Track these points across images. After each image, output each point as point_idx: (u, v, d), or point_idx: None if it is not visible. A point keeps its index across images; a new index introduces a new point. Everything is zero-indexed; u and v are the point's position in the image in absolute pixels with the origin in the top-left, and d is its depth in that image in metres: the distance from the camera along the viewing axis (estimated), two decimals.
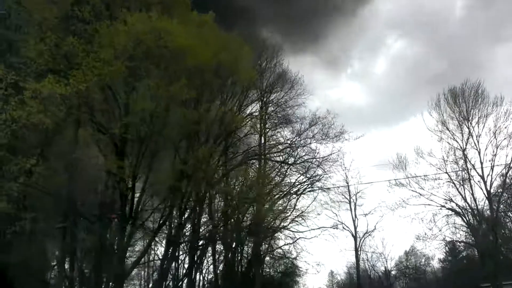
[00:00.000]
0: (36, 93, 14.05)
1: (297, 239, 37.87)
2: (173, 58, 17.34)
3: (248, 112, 32.62)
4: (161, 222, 22.04)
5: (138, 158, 17.96)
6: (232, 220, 34.39)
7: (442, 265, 52.27)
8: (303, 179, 38.90)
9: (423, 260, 51.86)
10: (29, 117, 13.72)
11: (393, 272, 52.86)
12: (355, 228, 57.23)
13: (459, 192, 35.32)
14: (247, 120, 28.31)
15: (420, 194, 36.18)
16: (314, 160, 33.06)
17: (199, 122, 21.48)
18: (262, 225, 35.45)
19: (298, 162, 32.95)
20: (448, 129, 35.71)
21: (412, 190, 36.54)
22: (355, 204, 58.41)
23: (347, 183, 58.72)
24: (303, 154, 34.04)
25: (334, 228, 43.28)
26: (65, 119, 15.20)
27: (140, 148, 17.94)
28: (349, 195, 58.52)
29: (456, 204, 35.59)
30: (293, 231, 39.30)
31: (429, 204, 35.87)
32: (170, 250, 26.31)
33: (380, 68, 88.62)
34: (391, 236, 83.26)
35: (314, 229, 40.20)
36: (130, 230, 19.24)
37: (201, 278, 37.86)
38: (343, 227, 53.26)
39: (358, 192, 58.17)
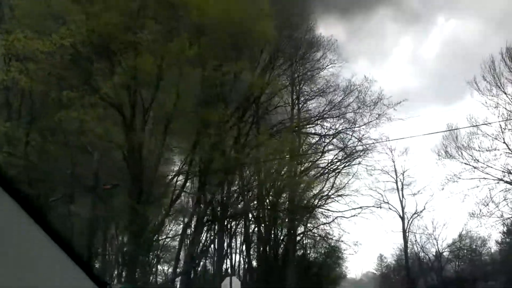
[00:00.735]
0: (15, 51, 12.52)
1: (335, 218, 35.34)
2: (174, 11, 15.29)
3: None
4: (176, 194, 20.34)
5: (144, 125, 16.18)
6: (266, 197, 32.45)
7: (500, 247, 47.65)
8: (342, 155, 36.28)
9: (478, 242, 47.51)
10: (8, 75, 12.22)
11: (445, 254, 48.96)
12: (403, 208, 53.70)
13: None
14: (273, 82, 25.77)
15: (474, 167, 32.39)
16: (351, 132, 30.02)
17: (217, 85, 19.43)
18: (298, 203, 33.27)
19: (331, 133, 30.06)
20: (505, 93, 31.46)
21: (465, 163, 32.80)
22: (402, 183, 54.93)
23: (393, 161, 55.47)
24: (338, 126, 31.29)
25: (377, 207, 40.48)
26: (49, 80, 13.66)
27: (144, 115, 16.16)
28: (396, 174, 55.11)
29: None
30: (331, 211, 36.92)
31: (484, 178, 32.03)
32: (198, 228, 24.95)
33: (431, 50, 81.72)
34: (443, 215, 78.54)
35: (354, 208, 37.65)
36: (143, 207, 17.66)
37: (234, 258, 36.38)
38: (389, 208, 50.16)
39: (405, 171, 54.68)
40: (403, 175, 54.78)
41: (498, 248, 47.33)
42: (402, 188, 54.23)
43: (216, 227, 28.92)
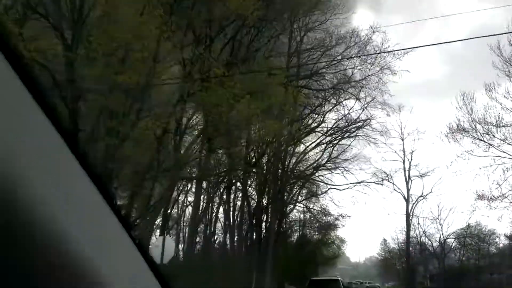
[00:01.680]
0: None
1: (328, 189, 32.27)
2: None
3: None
4: None
5: None
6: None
7: (510, 241, 44.05)
8: (343, 123, 32.89)
9: (486, 231, 43.82)
10: None
11: (449, 241, 45.59)
12: (408, 190, 50.29)
13: None
14: None
15: (489, 144, 28.69)
16: (347, 86, 26.28)
17: None
18: (287, 169, 30.12)
19: (325, 87, 26.28)
20: None
21: (478, 139, 29.08)
22: (409, 163, 51.34)
23: (402, 139, 51.72)
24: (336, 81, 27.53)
25: (378, 184, 37.16)
26: None
27: None
28: (404, 153, 51.46)
29: None
30: (325, 183, 33.84)
31: (499, 156, 28.36)
32: None
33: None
34: (450, 200, 74.47)
35: (353, 183, 34.48)
36: None
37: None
38: (394, 189, 46.82)
39: (413, 152, 50.99)
40: (411, 154, 51.29)
41: (507, 242, 43.83)
42: (409, 169, 50.80)
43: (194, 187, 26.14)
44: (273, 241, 27.07)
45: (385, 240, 58.73)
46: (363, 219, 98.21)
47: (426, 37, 69.74)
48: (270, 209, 28.96)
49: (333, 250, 51.32)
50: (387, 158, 48.34)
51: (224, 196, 29.15)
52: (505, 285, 39.02)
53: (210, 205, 28.19)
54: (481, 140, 29.01)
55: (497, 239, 45.45)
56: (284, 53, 25.65)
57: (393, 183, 44.08)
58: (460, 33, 65.29)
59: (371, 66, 25.32)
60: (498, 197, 29.00)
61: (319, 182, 33.15)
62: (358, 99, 29.49)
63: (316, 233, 50.65)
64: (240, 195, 29.52)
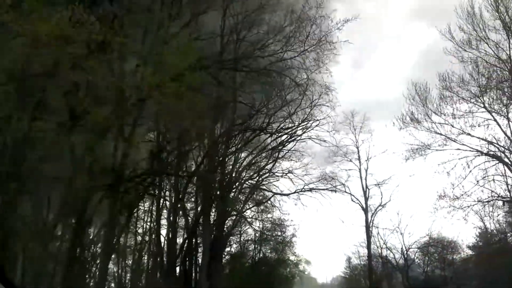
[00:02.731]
0: None
1: (271, 196, 28.41)
2: None
3: None
4: None
5: None
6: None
7: (472, 252, 41.40)
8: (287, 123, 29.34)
9: (449, 238, 40.93)
10: None
11: (413, 251, 42.40)
12: (366, 200, 47.29)
13: (503, 131, 24.82)
14: None
15: (447, 137, 25.90)
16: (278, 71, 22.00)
17: None
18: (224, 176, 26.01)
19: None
20: (488, 44, 25.06)
21: (435, 132, 26.25)
22: (366, 171, 48.53)
23: (357, 147, 48.97)
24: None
25: (331, 191, 33.55)
26: None
27: None
28: (359, 162, 48.58)
29: (499, 148, 25.06)
30: (268, 190, 29.96)
31: (458, 149, 25.55)
32: None
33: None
34: (411, 205, 72.24)
35: (303, 190, 30.75)
36: None
37: None
38: (352, 199, 43.57)
39: (369, 159, 48.31)
40: (367, 161, 48.57)
41: (471, 252, 41.04)
42: (366, 177, 47.95)
43: None
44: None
45: (349, 258, 55.21)
46: (321, 233, 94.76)
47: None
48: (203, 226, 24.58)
49: (290, 270, 47.20)
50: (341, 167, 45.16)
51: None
52: None
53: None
54: (438, 133, 26.25)
55: (459, 247, 42.83)
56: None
57: (350, 193, 40.87)
58: None
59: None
60: (460, 196, 26.07)
61: (264, 191, 29.31)
62: (304, 93, 26.12)
63: (273, 252, 46.52)
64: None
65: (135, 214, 26.32)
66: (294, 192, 28.53)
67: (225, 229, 27.75)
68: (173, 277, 22.73)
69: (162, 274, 23.27)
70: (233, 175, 27.21)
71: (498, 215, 32.46)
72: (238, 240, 43.11)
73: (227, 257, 41.39)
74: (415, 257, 41.74)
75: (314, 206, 36.21)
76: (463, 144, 25.20)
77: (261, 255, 44.86)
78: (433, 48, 59.59)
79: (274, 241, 43.67)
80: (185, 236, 25.82)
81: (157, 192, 23.42)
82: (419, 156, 26.59)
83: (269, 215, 34.21)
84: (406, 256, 41.54)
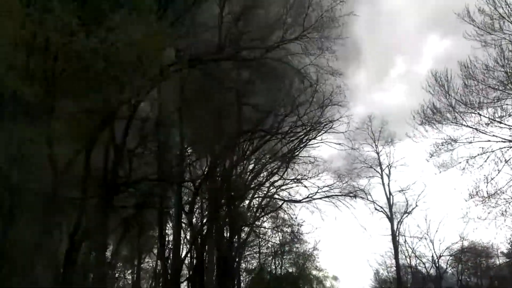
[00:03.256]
0: None
1: (282, 203, 26.20)
2: None
3: None
4: None
5: None
6: None
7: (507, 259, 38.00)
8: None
9: (484, 242, 37.65)
10: None
11: (444, 259, 39.24)
12: (391, 207, 44.48)
13: None
14: None
15: (474, 129, 23.30)
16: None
17: None
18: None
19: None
20: None
21: (461, 125, 23.72)
22: (388, 177, 45.85)
23: (377, 153, 46.40)
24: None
25: (351, 198, 31.05)
26: None
27: None
28: (381, 168, 45.95)
29: None
30: (284, 199, 27.70)
31: (488, 141, 22.92)
32: None
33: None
34: (438, 211, 68.26)
35: (316, 197, 28.42)
36: None
37: None
38: (375, 208, 40.76)
39: (390, 164, 45.66)
40: (389, 168, 45.93)
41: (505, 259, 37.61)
42: (388, 184, 45.26)
43: None
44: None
45: (377, 271, 52.04)
46: (345, 246, 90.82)
47: None
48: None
49: (314, 286, 44.44)
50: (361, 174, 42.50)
51: None
52: None
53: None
54: (465, 125, 23.68)
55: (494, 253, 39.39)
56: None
57: (373, 201, 38.13)
58: None
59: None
60: (495, 193, 23.28)
61: (276, 199, 27.18)
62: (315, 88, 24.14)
63: (293, 267, 43.93)
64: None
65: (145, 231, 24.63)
66: (308, 198, 26.32)
67: (235, 242, 25.61)
68: None
69: None
70: (242, 182, 25.21)
71: None
72: (255, 255, 40.84)
73: (244, 273, 39.28)
74: (448, 265, 38.68)
75: (333, 214, 33.82)
76: (494, 136, 22.64)
77: (280, 271, 42.42)
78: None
79: (294, 255, 41.22)
80: (193, 253, 23.77)
81: (159, 203, 21.53)
82: (445, 151, 24.03)
83: (286, 228, 31.85)
84: (437, 264, 38.53)
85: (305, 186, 28.91)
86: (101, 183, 17.17)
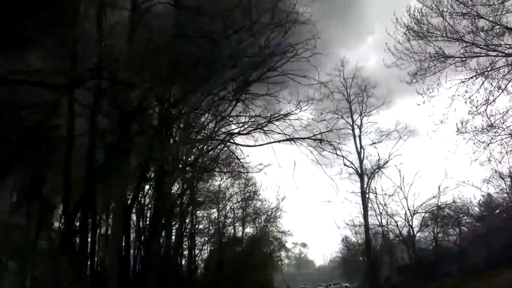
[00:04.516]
0: None
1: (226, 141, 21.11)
2: None
3: None
4: None
5: None
6: None
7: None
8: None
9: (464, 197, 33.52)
10: None
11: (418, 217, 35.22)
12: (361, 161, 40.16)
13: None
14: None
15: (473, 43, 18.47)
16: None
17: None
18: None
19: None
20: None
21: (452, 39, 18.80)
22: (360, 129, 41.36)
23: (349, 102, 41.56)
24: None
25: (317, 143, 26.07)
26: None
27: None
28: (352, 119, 41.26)
29: None
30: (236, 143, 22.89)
31: (487, 55, 18.15)
32: None
33: None
34: (416, 165, 64.89)
35: (276, 141, 23.57)
36: None
37: None
38: (344, 163, 36.09)
39: (362, 113, 41.21)
40: (361, 118, 41.49)
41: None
42: (360, 136, 40.85)
43: None
44: None
45: (346, 237, 48.26)
46: (315, 209, 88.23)
47: None
48: None
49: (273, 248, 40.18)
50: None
51: None
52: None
53: None
54: (457, 39, 18.81)
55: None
56: None
57: (343, 156, 33.20)
58: None
59: None
60: (485, 128, 18.73)
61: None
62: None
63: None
64: None
65: None
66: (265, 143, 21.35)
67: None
68: None
69: None
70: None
71: None
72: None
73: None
74: (422, 224, 34.61)
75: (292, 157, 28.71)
76: (494, 50, 17.81)
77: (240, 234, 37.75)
78: None
79: (253, 214, 36.60)
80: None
81: None
82: (430, 75, 19.12)
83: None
84: (411, 223, 34.51)
85: (264, 131, 24.20)
86: None
